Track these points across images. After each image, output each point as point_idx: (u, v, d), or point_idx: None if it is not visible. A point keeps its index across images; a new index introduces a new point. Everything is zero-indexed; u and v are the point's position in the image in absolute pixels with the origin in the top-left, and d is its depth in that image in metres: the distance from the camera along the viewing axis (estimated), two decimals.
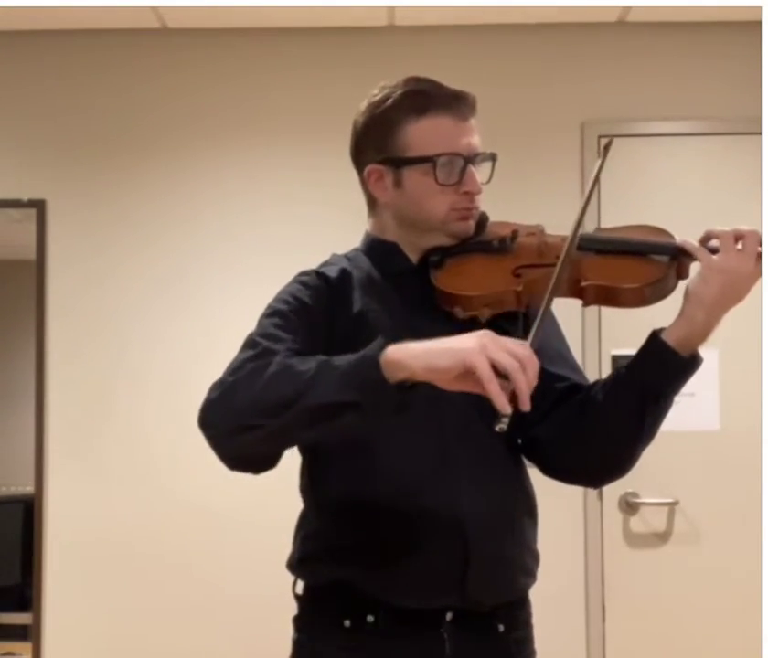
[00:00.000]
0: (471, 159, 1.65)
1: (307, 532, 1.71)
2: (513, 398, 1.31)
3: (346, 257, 1.75)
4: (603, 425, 1.65)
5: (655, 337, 1.60)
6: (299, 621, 1.73)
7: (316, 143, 3.43)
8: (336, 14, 3.41)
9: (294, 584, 1.73)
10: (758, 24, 3.06)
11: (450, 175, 1.63)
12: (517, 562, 1.70)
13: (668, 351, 1.58)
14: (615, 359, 3.43)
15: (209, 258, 3.50)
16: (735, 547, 3.40)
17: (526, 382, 1.32)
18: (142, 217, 3.53)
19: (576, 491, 3.45)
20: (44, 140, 3.57)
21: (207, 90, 3.53)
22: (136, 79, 3.56)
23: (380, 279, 1.70)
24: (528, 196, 3.51)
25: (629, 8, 3.40)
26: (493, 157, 1.71)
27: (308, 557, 1.70)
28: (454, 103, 1.66)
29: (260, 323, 1.60)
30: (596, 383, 1.71)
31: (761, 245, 1.55)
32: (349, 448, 1.59)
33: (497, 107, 3.53)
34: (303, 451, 1.72)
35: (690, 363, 1.60)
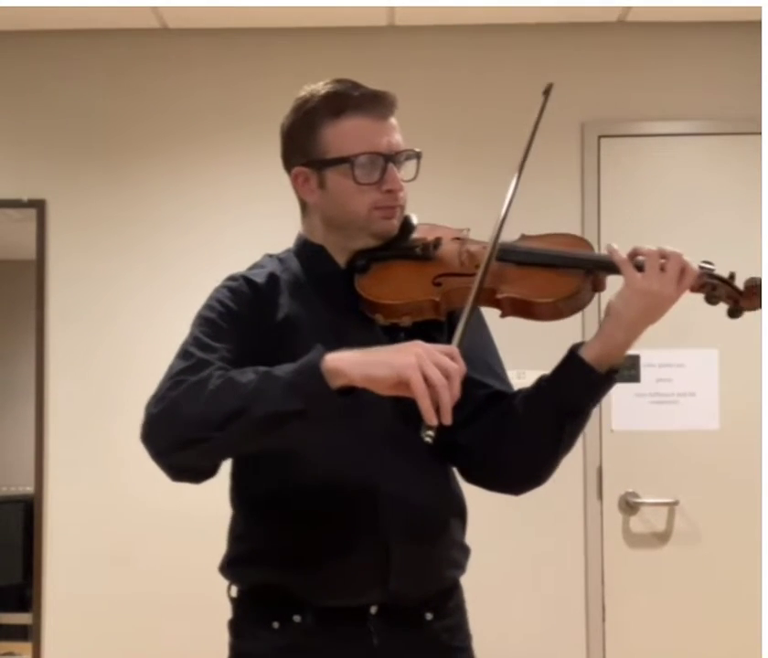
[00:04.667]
0: (391, 157, 1.66)
1: (235, 534, 1.74)
2: (438, 410, 1.37)
3: (278, 258, 1.77)
4: (521, 436, 1.66)
5: (572, 353, 1.61)
6: (233, 625, 1.75)
7: None
8: (336, 14, 3.41)
9: (229, 588, 1.75)
10: (758, 24, 3.06)
11: (370, 175, 1.64)
12: (443, 558, 1.72)
13: (585, 367, 1.59)
14: None
15: (210, 257, 3.50)
16: (735, 547, 3.40)
17: (450, 397, 1.37)
18: (142, 217, 3.54)
19: (576, 491, 3.45)
20: (44, 140, 3.57)
21: (207, 90, 3.53)
22: (136, 79, 3.57)
23: (308, 282, 1.72)
24: (527, 196, 3.49)
25: (629, 8, 3.40)
26: (417, 155, 1.72)
27: (236, 559, 1.72)
28: (372, 103, 1.67)
29: (191, 331, 1.63)
30: (518, 392, 1.72)
31: (684, 268, 1.56)
32: (275, 461, 1.62)
33: (497, 107, 3.53)
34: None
35: (607, 379, 1.61)
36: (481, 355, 1.75)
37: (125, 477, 3.45)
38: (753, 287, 1.63)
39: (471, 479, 1.76)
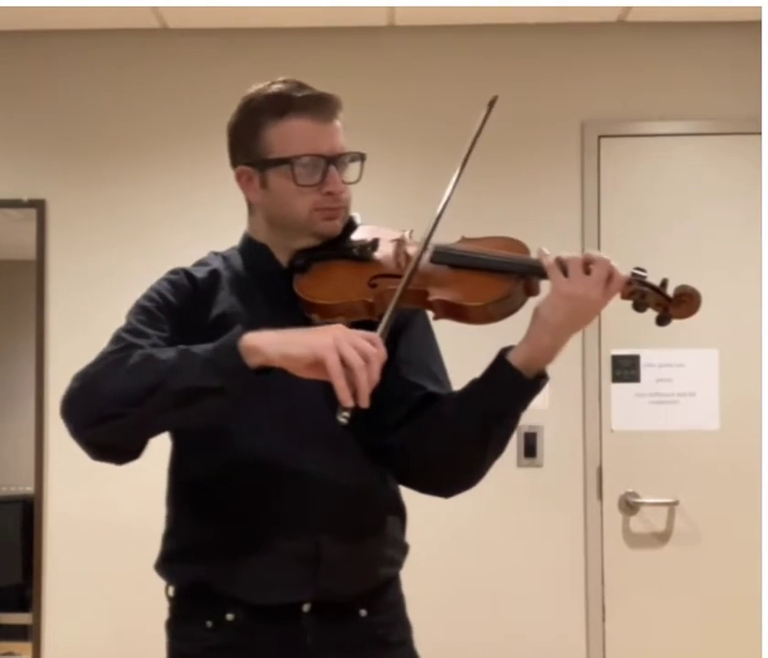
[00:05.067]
0: (333, 160, 1.66)
1: (166, 531, 1.76)
2: (356, 393, 1.39)
3: (223, 256, 1.79)
4: (448, 438, 1.64)
5: (501, 357, 1.60)
6: (169, 626, 1.77)
7: None
8: (336, 14, 3.41)
9: (167, 588, 1.76)
10: (758, 24, 3.06)
11: (311, 176, 1.65)
12: (376, 555, 1.71)
13: (512, 372, 1.57)
14: (615, 359, 3.44)
15: None
16: (735, 547, 3.40)
17: (367, 380, 1.38)
18: (142, 217, 3.54)
19: (576, 491, 3.45)
20: (44, 140, 3.57)
21: (207, 90, 3.53)
22: (136, 79, 3.57)
23: (250, 279, 1.73)
24: (527, 196, 3.51)
25: (629, 8, 3.40)
26: (361, 157, 1.73)
27: (168, 556, 1.74)
28: (314, 105, 1.67)
29: (127, 319, 1.66)
30: (450, 395, 1.71)
31: (611, 273, 1.54)
32: (203, 445, 1.64)
33: (497, 107, 3.53)
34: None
35: (535, 384, 1.59)
36: (422, 357, 1.74)
37: (125, 477, 3.44)
38: (683, 295, 1.59)
39: (402, 481, 1.75)
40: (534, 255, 1.61)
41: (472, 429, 1.62)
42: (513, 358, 1.58)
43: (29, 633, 3.52)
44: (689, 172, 3.52)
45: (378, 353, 1.41)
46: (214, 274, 1.73)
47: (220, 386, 1.44)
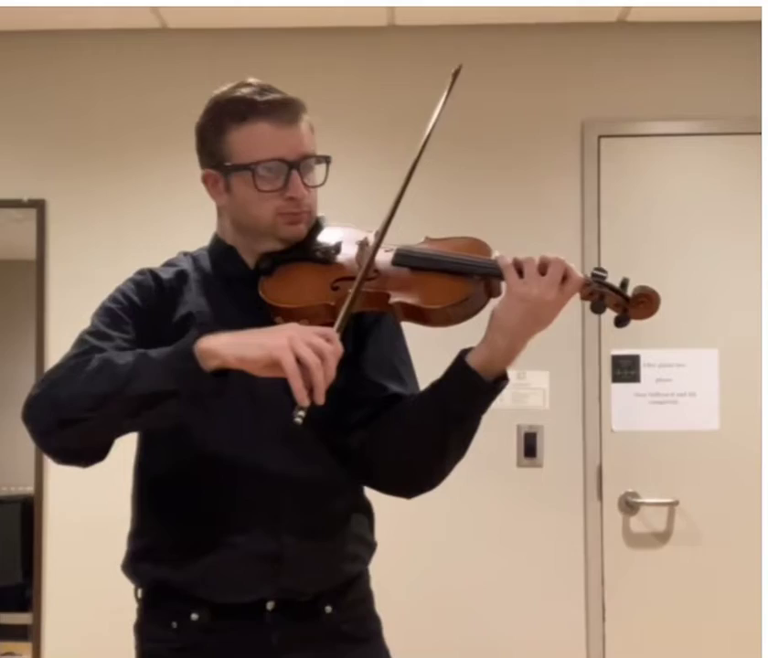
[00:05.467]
0: (296, 164, 1.65)
1: (131, 531, 1.77)
2: (312, 391, 1.40)
3: (192, 256, 1.80)
4: (407, 440, 1.64)
5: (459, 359, 1.58)
6: (137, 627, 1.76)
7: (316, 142, 3.43)
8: (336, 14, 3.41)
9: (136, 590, 1.75)
10: (758, 24, 3.06)
11: (273, 182, 1.64)
12: (338, 553, 1.70)
13: (470, 373, 1.56)
14: (615, 359, 3.44)
15: None
16: (735, 547, 3.40)
17: (323, 377, 1.39)
18: (142, 217, 3.54)
19: (576, 491, 3.45)
20: (44, 140, 3.57)
21: (207, 90, 3.52)
22: (136, 79, 3.57)
23: (217, 281, 1.74)
24: (527, 196, 3.51)
25: (629, 8, 3.40)
26: (326, 159, 1.72)
27: (132, 556, 1.75)
28: (277, 109, 1.66)
29: (91, 321, 1.67)
30: (411, 396, 1.70)
31: (566, 274, 1.53)
32: (165, 443, 1.65)
33: (497, 107, 3.53)
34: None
35: (493, 386, 1.57)
36: (388, 357, 1.73)
37: (126, 477, 3.45)
38: (641, 295, 1.58)
39: (364, 481, 1.75)
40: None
41: (430, 430, 1.61)
42: (471, 360, 1.56)
43: (29, 633, 3.52)
44: (689, 172, 3.52)
45: (334, 349, 1.41)
46: (181, 275, 1.74)
47: (177, 390, 1.45)
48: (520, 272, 1.53)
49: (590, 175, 3.50)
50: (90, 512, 3.47)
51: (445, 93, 1.69)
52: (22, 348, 3.59)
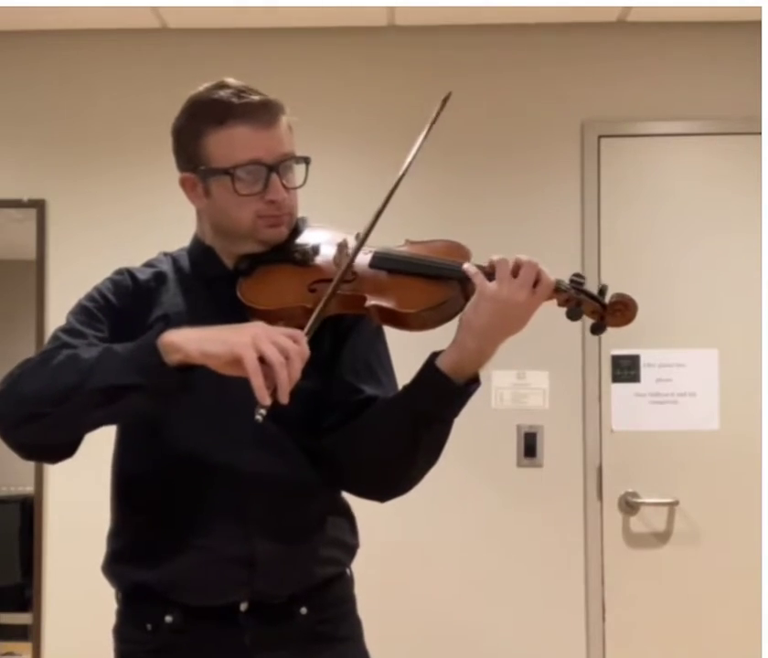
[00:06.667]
0: (275, 167, 1.63)
1: (109, 531, 1.75)
2: (276, 390, 1.38)
3: (172, 257, 1.79)
4: (378, 443, 1.62)
5: (429, 361, 1.56)
6: (115, 630, 1.76)
7: (316, 142, 3.42)
8: (336, 14, 3.41)
9: (117, 593, 1.75)
10: (758, 24, 3.06)
11: (252, 185, 1.63)
12: (312, 557, 1.68)
13: (440, 376, 1.54)
14: (615, 359, 3.44)
15: None
16: (735, 547, 3.40)
17: (287, 377, 1.37)
18: (142, 217, 3.54)
19: (576, 491, 3.45)
20: (44, 140, 3.57)
21: None
22: (136, 79, 3.57)
23: (196, 282, 1.73)
24: (528, 196, 3.51)
25: (629, 8, 3.40)
26: (306, 160, 1.70)
27: (110, 558, 1.73)
28: (254, 111, 1.63)
29: (66, 318, 1.68)
30: (383, 399, 1.67)
31: (539, 277, 1.50)
32: (139, 442, 1.65)
33: (497, 107, 3.53)
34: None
35: (464, 389, 1.55)
36: (365, 359, 1.72)
37: None
38: (618, 303, 1.56)
39: (337, 484, 1.73)
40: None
41: (400, 433, 1.59)
42: (441, 362, 1.54)
43: (29, 633, 3.52)
44: (689, 172, 3.52)
45: (300, 350, 1.40)
46: (159, 276, 1.73)
47: (140, 383, 1.44)
48: (492, 273, 1.51)
49: (590, 175, 3.50)
50: (90, 512, 3.46)
51: (433, 116, 1.68)
52: (22, 348, 3.58)
